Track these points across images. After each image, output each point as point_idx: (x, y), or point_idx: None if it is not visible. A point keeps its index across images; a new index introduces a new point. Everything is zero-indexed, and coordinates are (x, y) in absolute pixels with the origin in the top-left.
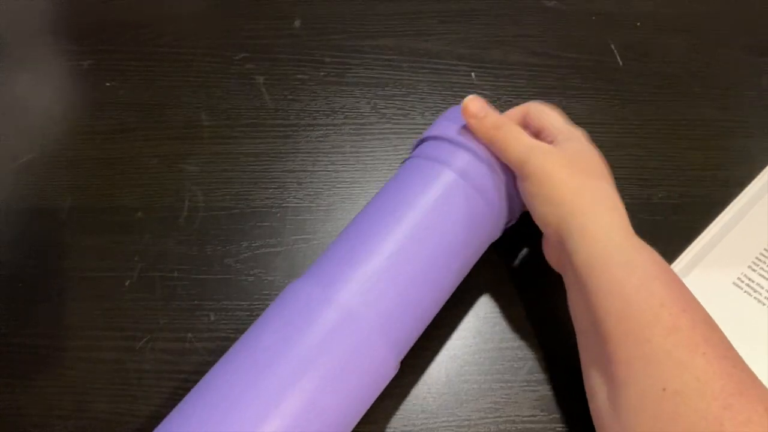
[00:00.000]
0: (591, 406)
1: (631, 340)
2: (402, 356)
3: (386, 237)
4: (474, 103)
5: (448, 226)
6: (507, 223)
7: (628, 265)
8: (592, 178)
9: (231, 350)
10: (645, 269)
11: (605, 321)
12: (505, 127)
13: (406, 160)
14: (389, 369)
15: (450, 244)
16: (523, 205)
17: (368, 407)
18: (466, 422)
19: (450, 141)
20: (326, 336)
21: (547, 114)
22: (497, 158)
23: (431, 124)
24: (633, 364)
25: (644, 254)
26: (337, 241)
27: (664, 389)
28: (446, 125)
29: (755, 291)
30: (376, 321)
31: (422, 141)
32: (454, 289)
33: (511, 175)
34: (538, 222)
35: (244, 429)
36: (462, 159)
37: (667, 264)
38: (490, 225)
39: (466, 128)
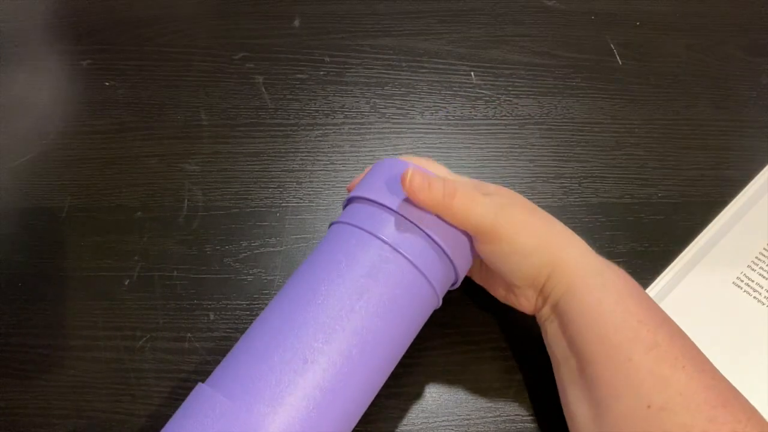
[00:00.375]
0: (572, 430)
1: (613, 359)
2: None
3: (307, 337)
4: (416, 177)
5: (385, 309)
6: (452, 286)
7: (603, 287)
8: (540, 213)
9: None
10: (618, 288)
11: (586, 344)
12: (459, 190)
13: (332, 223)
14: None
15: (388, 328)
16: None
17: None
18: (466, 422)
19: (378, 204)
20: None
21: (437, 169)
22: (435, 219)
23: (368, 176)
24: (616, 383)
25: (614, 273)
26: (251, 334)
27: (648, 406)
28: (372, 183)
29: (755, 290)
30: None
31: (349, 201)
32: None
33: (452, 236)
34: (509, 278)
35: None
36: (392, 225)
37: (633, 280)
38: (430, 300)
39: (392, 186)
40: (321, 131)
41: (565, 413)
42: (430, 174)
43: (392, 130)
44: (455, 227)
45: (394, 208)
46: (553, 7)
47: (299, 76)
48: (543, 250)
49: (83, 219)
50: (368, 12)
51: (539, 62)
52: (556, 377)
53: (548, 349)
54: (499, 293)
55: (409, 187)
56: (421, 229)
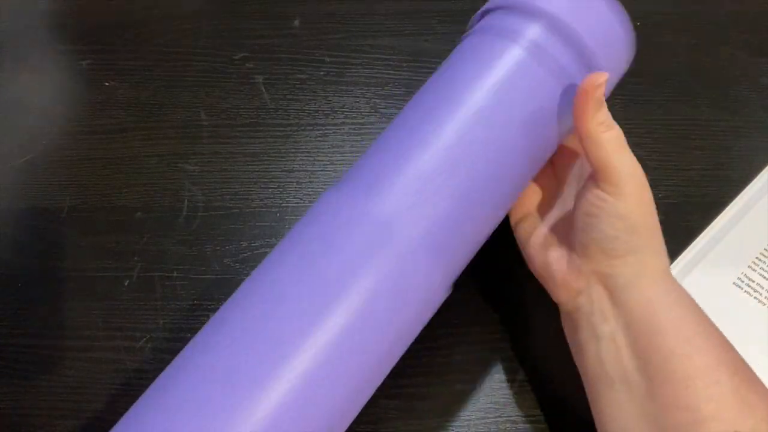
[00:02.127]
0: None
1: (699, 382)
2: (455, 278)
3: (434, 135)
4: (600, 90)
5: (514, 119)
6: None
7: (683, 306)
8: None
9: (254, 275)
10: (695, 311)
11: (666, 363)
12: (619, 131)
13: (462, 37)
14: (439, 292)
15: (516, 139)
16: None
17: (414, 335)
18: (467, 422)
19: (519, 8)
20: (366, 252)
21: None
22: (581, 29)
23: None
24: (702, 408)
25: (688, 295)
26: (379, 140)
27: None
28: None
29: (755, 291)
30: (424, 236)
31: (483, 14)
32: (512, 201)
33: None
34: (591, 244)
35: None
36: (534, 31)
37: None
38: (563, 121)
39: None
40: (321, 131)
41: None
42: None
43: None
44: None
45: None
46: None
47: (299, 76)
48: (642, 239)
49: (83, 219)
50: (368, 12)
51: None
52: (598, 396)
53: (585, 359)
54: (545, 259)
55: (591, 90)
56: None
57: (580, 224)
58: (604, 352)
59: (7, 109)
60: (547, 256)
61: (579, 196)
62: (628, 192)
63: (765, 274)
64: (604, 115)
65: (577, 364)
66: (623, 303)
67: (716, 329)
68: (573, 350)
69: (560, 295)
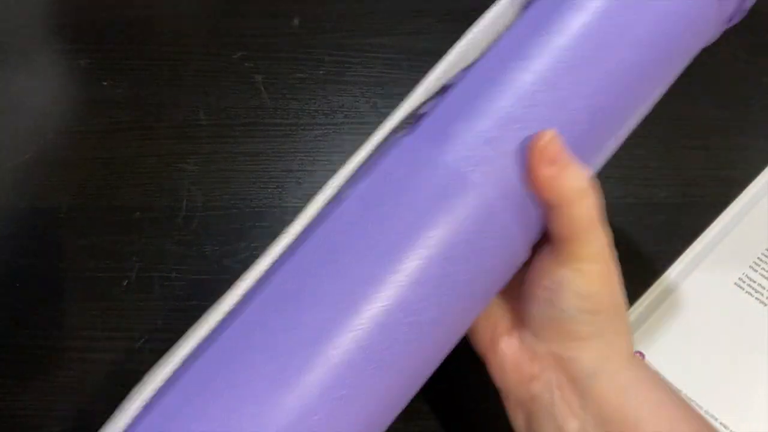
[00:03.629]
0: None
1: None
2: (533, 242)
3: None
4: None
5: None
6: (729, 18)
7: (660, 390)
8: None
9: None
10: (671, 393)
11: None
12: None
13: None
14: (522, 253)
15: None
16: None
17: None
18: (466, 423)
19: None
20: (439, 203)
21: None
22: None
23: None
24: None
25: (660, 377)
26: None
27: None
28: None
29: (756, 291)
30: (502, 196)
31: None
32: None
33: None
34: (548, 323)
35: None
36: None
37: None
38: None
39: None
40: (321, 131)
41: None
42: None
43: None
44: None
45: None
46: None
47: (298, 75)
48: (605, 317)
49: (81, 219)
50: (368, 11)
51: None
52: None
53: None
54: (491, 335)
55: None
56: None
57: (534, 297)
58: None
59: (3, 108)
60: (494, 332)
61: (534, 262)
62: (595, 270)
63: (767, 275)
64: (581, 175)
65: None
66: (591, 393)
67: (693, 409)
68: None
69: (508, 380)
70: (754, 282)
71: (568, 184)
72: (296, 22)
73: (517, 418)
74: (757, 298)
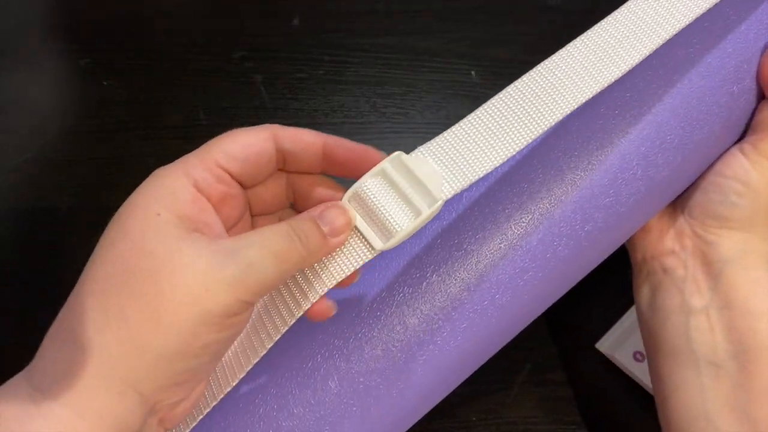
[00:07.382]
0: None
1: None
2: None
3: None
4: None
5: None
6: None
7: None
8: None
9: None
10: None
11: (766, 351)
12: None
13: None
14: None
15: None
16: None
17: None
18: (466, 423)
19: None
20: None
21: None
22: None
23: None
24: None
25: None
26: None
27: None
28: None
29: None
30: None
31: None
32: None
33: None
34: (707, 205)
35: None
36: None
37: None
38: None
39: None
40: (320, 131)
41: (680, 427)
42: None
43: (392, 129)
44: None
45: None
46: (554, 7)
47: (298, 75)
48: (763, 211)
49: (82, 219)
50: (367, 11)
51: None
52: (671, 372)
53: (665, 330)
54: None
55: None
56: None
57: (703, 181)
58: (693, 328)
59: (4, 108)
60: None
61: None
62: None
63: None
64: None
65: (646, 328)
66: (723, 279)
67: None
68: (646, 314)
69: (648, 249)
70: None
71: None
72: (296, 21)
73: (641, 292)
74: None
